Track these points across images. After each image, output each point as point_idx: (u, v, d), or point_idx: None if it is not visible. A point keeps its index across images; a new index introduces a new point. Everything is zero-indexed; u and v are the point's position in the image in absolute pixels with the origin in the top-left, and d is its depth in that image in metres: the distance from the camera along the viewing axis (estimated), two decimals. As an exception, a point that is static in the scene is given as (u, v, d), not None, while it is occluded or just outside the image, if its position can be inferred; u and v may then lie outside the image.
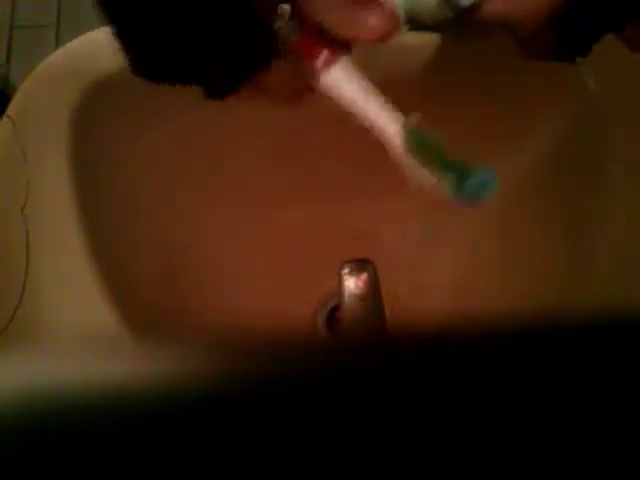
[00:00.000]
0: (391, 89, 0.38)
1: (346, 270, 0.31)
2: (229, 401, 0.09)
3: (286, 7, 0.22)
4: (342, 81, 0.22)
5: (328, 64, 0.22)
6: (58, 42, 0.97)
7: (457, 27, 0.23)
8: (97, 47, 0.35)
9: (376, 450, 0.08)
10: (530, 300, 0.36)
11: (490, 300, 0.38)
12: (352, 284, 0.30)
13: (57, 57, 0.35)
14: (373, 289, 0.30)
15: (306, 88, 0.23)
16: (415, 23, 0.22)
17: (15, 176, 0.32)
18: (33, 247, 0.31)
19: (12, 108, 0.34)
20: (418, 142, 0.22)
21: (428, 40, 0.36)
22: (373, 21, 0.20)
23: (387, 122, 0.23)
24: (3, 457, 0.08)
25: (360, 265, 0.31)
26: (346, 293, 0.30)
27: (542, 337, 0.10)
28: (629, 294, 0.31)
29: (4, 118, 0.33)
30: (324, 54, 0.22)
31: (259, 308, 0.38)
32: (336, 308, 0.40)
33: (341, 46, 0.22)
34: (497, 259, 0.40)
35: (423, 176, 0.22)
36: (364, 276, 0.31)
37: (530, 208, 0.39)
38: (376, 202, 0.42)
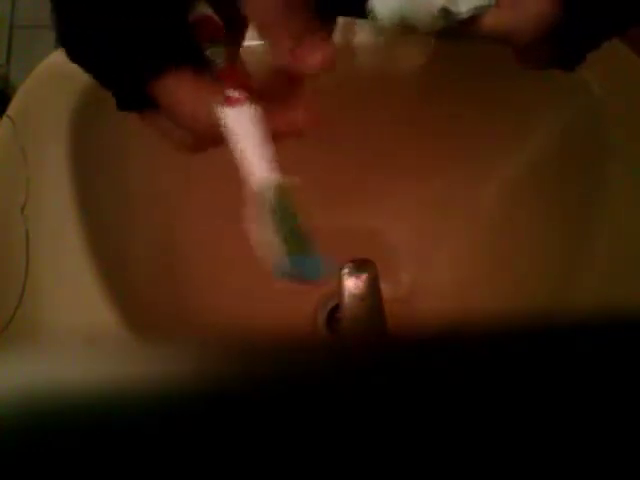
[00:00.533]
0: (393, 90, 0.38)
1: (346, 270, 0.31)
2: (229, 401, 0.09)
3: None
4: (237, 124, 0.22)
5: (233, 102, 0.22)
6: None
7: (452, 36, 0.23)
8: (97, 47, 0.35)
9: (376, 449, 0.08)
10: (530, 300, 0.36)
11: (490, 300, 0.38)
12: (352, 284, 0.30)
13: (57, 57, 0.35)
14: (373, 289, 0.30)
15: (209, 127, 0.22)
16: (409, 32, 0.22)
17: (15, 176, 0.32)
18: (33, 247, 0.31)
19: (12, 108, 0.34)
20: (278, 203, 0.22)
21: (430, 42, 0.36)
22: (317, 58, 0.21)
23: (259, 174, 0.23)
24: (3, 457, 0.08)
25: (360, 265, 0.31)
26: (346, 293, 0.30)
27: (542, 337, 0.10)
28: (629, 294, 0.31)
29: (4, 118, 0.33)
30: (236, 92, 0.22)
31: (259, 308, 0.38)
32: (336, 308, 0.40)
33: (255, 94, 0.22)
34: (497, 259, 0.40)
35: (264, 237, 0.22)
36: (364, 276, 0.31)
37: (530, 208, 0.39)
38: (376, 202, 0.42)
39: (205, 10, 0.23)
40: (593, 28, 0.22)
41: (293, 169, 0.43)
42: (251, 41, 0.24)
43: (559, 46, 0.23)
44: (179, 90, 0.22)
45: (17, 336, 0.29)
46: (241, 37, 0.25)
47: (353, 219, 0.42)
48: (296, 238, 0.22)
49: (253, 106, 0.22)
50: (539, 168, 0.39)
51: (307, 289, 0.41)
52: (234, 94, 0.22)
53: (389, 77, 0.37)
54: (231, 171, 0.41)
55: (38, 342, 0.28)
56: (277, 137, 0.23)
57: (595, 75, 0.36)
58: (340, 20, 0.34)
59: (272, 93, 0.23)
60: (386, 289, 0.31)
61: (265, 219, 0.22)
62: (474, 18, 0.21)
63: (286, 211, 0.22)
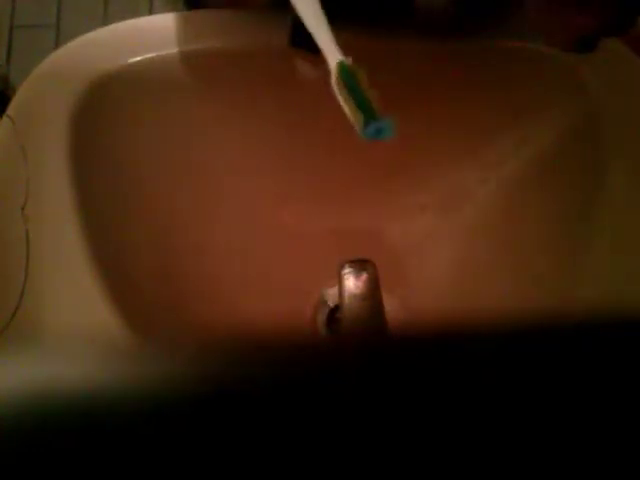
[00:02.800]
0: (394, 90, 0.38)
1: (346, 270, 0.31)
2: (228, 402, 0.09)
3: None
4: (301, 3, 0.26)
5: None
6: (58, 42, 0.98)
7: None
8: (97, 47, 0.35)
9: (375, 450, 0.08)
10: (530, 300, 0.36)
11: (490, 299, 0.38)
12: (352, 284, 0.30)
13: (57, 57, 0.35)
14: (373, 289, 0.30)
15: None
16: None
17: (15, 176, 0.32)
18: (33, 247, 0.31)
19: (12, 108, 0.34)
20: (345, 78, 0.26)
21: (430, 42, 0.36)
22: None
23: (329, 53, 0.27)
24: (3, 457, 0.08)
25: (360, 265, 0.31)
26: (346, 293, 0.30)
27: (542, 337, 0.10)
28: (629, 294, 0.31)
29: (4, 118, 0.33)
30: None
31: (259, 308, 0.38)
32: (336, 308, 0.40)
33: None
34: (497, 258, 0.40)
35: (345, 108, 0.26)
36: (364, 276, 0.31)
37: (530, 208, 0.39)
38: (376, 202, 0.42)
39: None
40: None
41: (294, 169, 0.43)
42: None
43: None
44: None
45: (17, 336, 0.29)
46: None
47: (353, 219, 0.42)
48: (368, 107, 0.26)
49: None
50: (539, 168, 0.39)
51: (306, 289, 0.41)
52: None
53: (390, 78, 0.37)
54: (233, 171, 0.41)
55: (38, 342, 0.28)
56: None
57: (595, 75, 0.36)
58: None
59: None
60: (386, 289, 0.31)
61: (342, 94, 0.26)
62: None
63: (355, 83, 0.26)
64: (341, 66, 0.26)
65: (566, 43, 0.25)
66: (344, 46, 0.36)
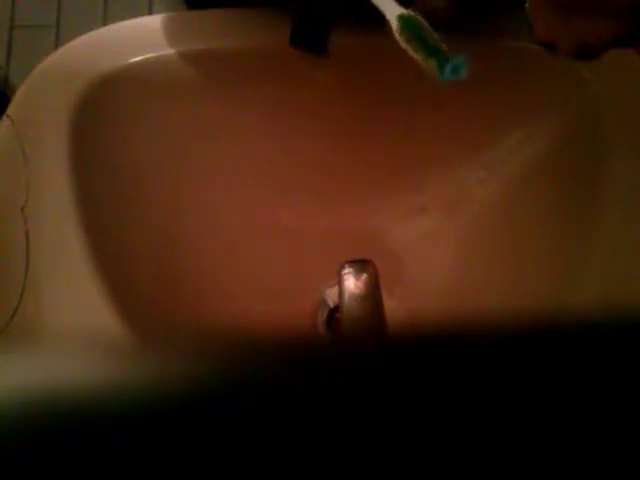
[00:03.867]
0: (396, 91, 0.38)
1: (346, 270, 0.31)
2: (228, 401, 0.09)
3: None
4: None
5: None
6: (58, 42, 0.98)
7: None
8: (97, 47, 0.35)
9: (375, 450, 0.08)
10: (530, 300, 0.36)
11: (490, 300, 0.38)
12: (352, 284, 0.30)
13: (57, 57, 0.35)
14: (373, 289, 0.30)
15: None
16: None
17: (15, 176, 0.32)
18: (33, 247, 0.31)
19: (12, 108, 0.34)
20: (409, 29, 0.26)
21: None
22: None
23: (387, 9, 0.27)
24: (3, 457, 0.08)
25: (360, 265, 0.31)
26: (346, 293, 0.30)
27: (542, 337, 0.10)
28: (629, 294, 0.31)
29: (4, 118, 0.33)
30: None
31: (259, 308, 0.38)
32: (336, 308, 0.40)
33: None
34: (497, 259, 0.40)
35: (417, 58, 0.26)
36: (364, 276, 0.31)
37: (530, 208, 0.39)
38: (376, 202, 0.42)
39: None
40: None
41: (294, 169, 0.43)
42: None
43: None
44: None
45: (17, 336, 0.29)
46: None
47: (353, 219, 0.42)
48: (437, 51, 0.26)
49: None
50: (539, 168, 0.39)
51: (306, 289, 0.41)
52: None
53: (392, 78, 0.37)
54: (233, 171, 0.41)
55: (38, 342, 0.28)
56: None
57: (595, 74, 0.36)
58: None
59: None
60: (386, 289, 0.31)
61: (410, 46, 0.26)
62: None
63: (419, 32, 0.26)
64: (402, 19, 0.26)
65: (572, 52, 0.25)
66: (343, 46, 0.36)
